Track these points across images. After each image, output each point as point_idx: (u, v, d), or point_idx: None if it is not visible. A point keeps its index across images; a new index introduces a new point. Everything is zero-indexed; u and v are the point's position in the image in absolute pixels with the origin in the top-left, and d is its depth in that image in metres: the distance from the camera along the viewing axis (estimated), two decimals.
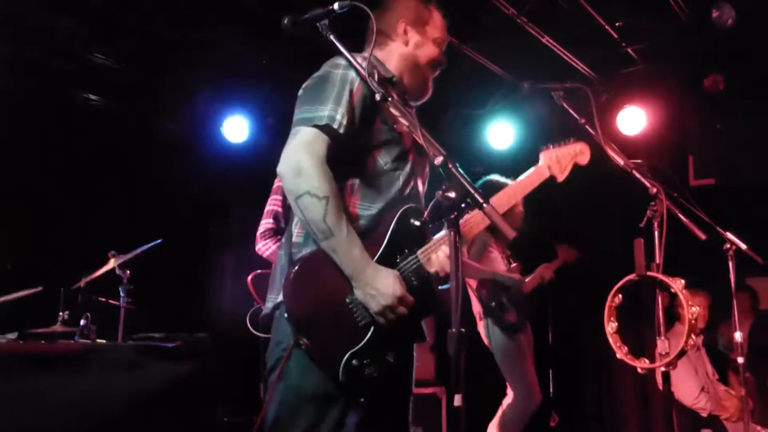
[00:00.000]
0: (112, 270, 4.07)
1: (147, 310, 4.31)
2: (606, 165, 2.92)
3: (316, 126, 1.82)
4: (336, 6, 1.91)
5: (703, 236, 2.90)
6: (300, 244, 1.92)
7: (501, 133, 5.94)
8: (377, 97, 1.84)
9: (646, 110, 5.51)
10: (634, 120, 5.51)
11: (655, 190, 2.74)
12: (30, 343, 3.22)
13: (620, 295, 2.79)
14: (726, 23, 4.46)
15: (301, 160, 1.79)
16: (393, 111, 1.87)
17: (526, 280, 4.47)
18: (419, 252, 1.90)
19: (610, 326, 2.77)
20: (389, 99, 1.85)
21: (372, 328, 1.82)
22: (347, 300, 1.82)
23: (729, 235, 3.31)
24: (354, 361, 1.78)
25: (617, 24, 4.85)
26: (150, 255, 4.10)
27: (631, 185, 2.87)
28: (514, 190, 2.14)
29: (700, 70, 5.26)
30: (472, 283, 4.35)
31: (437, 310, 1.98)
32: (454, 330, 1.51)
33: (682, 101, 5.54)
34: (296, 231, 1.93)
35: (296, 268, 1.84)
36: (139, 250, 4.07)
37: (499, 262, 4.47)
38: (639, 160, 2.92)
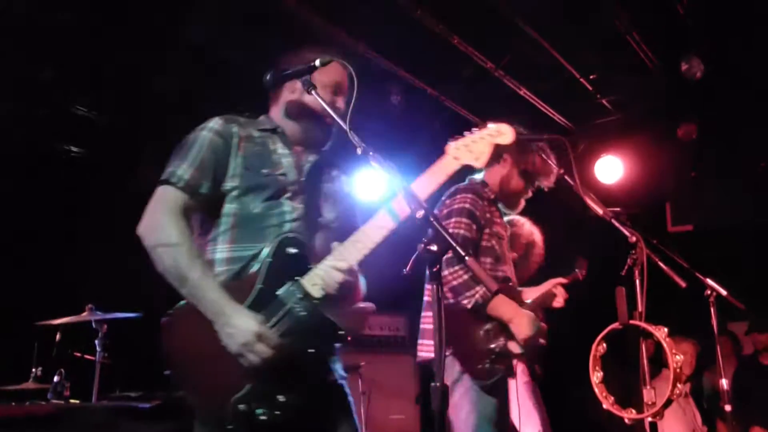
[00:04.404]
0: (89, 323, 3.97)
1: (125, 365, 4.18)
2: (585, 214, 2.96)
3: (161, 182, 1.94)
4: (317, 62, 1.95)
5: (683, 284, 2.92)
6: None
7: None
8: (358, 151, 1.83)
9: (622, 159, 5.63)
10: (611, 169, 5.62)
11: (634, 239, 2.78)
12: None
13: (604, 344, 2.79)
14: (695, 76, 4.62)
15: (153, 216, 1.89)
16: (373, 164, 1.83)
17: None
18: (302, 280, 1.83)
19: (596, 376, 2.75)
20: (370, 153, 1.84)
21: (258, 370, 1.75)
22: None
23: (709, 281, 3.34)
24: (241, 406, 1.71)
25: (591, 77, 5.00)
26: (128, 307, 4.01)
27: (611, 234, 2.90)
28: (415, 188, 1.90)
29: (674, 119, 5.42)
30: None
31: (335, 337, 1.85)
32: (438, 384, 1.48)
33: (658, 150, 5.67)
34: None
35: (166, 323, 1.83)
36: (115, 316, 3.97)
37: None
38: (617, 209, 2.96)
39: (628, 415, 2.67)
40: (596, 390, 2.73)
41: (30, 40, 4.10)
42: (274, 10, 3.92)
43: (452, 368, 2.77)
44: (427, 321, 2.98)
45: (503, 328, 2.79)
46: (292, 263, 1.84)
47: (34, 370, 3.73)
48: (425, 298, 3.02)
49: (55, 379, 3.62)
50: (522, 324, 2.75)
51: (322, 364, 1.91)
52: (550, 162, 3.08)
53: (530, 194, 3.17)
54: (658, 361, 4.68)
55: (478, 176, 3.19)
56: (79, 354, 4.13)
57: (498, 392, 2.78)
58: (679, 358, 2.66)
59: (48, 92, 4.61)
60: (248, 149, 2.01)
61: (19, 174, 4.84)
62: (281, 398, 1.73)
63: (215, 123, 2.03)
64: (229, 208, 1.95)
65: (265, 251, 1.86)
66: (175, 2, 3.90)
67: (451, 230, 2.83)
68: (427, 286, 3.01)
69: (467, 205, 2.91)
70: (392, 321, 5.50)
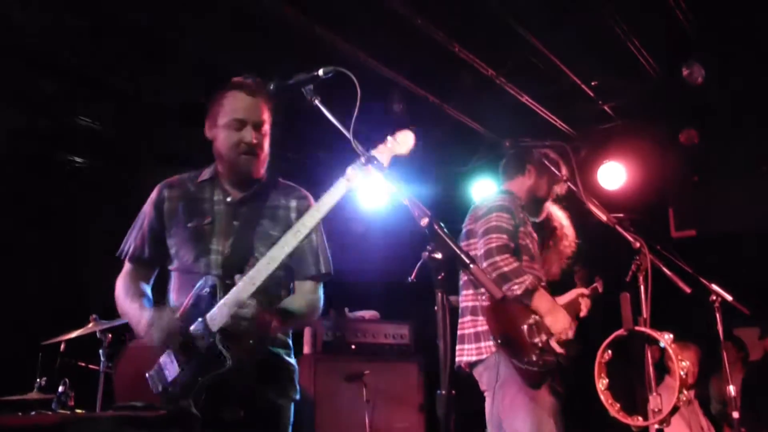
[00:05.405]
0: (93, 333, 3.97)
1: None
2: (588, 220, 2.96)
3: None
4: (321, 72, 1.96)
5: (688, 290, 2.91)
6: None
7: (485, 190, 6.00)
8: (362, 159, 1.83)
9: (625, 165, 5.63)
10: (613, 175, 5.62)
11: (638, 244, 2.78)
12: (3, 416, 3.09)
13: (609, 351, 2.78)
14: (696, 81, 4.63)
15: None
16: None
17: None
18: (207, 315, 2.05)
19: (601, 383, 2.74)
20: (374, 161, 1.85)
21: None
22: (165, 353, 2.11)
23: (714, 286, 3.32)
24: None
25: (593, 83, 5.01)
26: None
27: (615, 240, 2.90)
28: (318, 207, 2.02)
29: (675, 125, 5.42)
30: None
31: (218, 369, 2.00)
32: (443, 392, 1.48)
33: (660, 155, 5.67)
34: None
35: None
36: (120, 322, 3.97)
37: None
38: (621, 215, 2.96)
39: (635, 422, 2.65)
40: (602, 397, 2.72)
41: (32, 50, 4.13)
42: (274, 20, 3.94)
43: (499, 368, 2.83)
44: (465, 326, 3.05)
45: (543, 325, 2.87)
46: (205, 302, 2.08)
47: (38, 380, 3.73)
48: (462, 304, 3.09)
49: (60, 389, 3.61)
50: (557, 318, 2.86)
51: (199, 390, 2.04)
52: (560, 171, 3.14)
53: (551, 202, 3.29)
54: (661, 368, 4.65)
55: (499, 189, 3.31)
56: (83, 364, 4.12)
57: (548, 388, 2.82)
58: (685, 364, 2.65)
59: (51, 103, 4.64)
60: (177, 208, 2.26)
61: (22, 184, 4.86)
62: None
63: (155, 193, 2.32)
64: (174, 264, 2.26)
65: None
66: (178, 14, 3.92)
67: (494, 223, 2.97)
68: (463, 292, 3.09)
69: (506, 203, 3.06)
70: (396, 329, 5.49)
